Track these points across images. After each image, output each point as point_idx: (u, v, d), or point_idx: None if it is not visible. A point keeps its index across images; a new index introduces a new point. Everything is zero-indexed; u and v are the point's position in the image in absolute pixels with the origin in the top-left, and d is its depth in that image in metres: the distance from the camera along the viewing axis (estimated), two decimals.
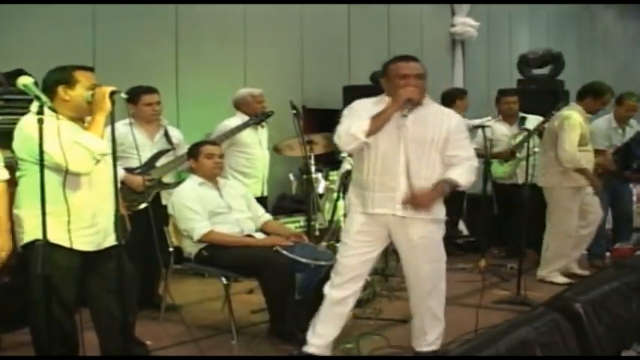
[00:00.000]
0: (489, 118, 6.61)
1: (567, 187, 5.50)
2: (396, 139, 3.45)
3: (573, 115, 5.38)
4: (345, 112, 3.63)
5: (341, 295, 3.61)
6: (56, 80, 3.20)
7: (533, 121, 6.09)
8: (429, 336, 3.68)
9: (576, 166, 5.38)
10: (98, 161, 3.13)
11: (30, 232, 3.13)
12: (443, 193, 3.53)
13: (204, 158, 4.44)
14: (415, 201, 3.43)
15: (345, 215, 4.68)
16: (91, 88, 3.18)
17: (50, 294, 2.98)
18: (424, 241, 3.55)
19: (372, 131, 3.40)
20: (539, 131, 6.03)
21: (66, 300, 3.19)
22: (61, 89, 3.18)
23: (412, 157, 3.44)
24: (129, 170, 4.49)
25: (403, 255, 3.65)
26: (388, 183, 3.48)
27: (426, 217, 3.50)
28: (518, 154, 6.29)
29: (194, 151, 4.50)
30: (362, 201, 3.57)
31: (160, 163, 4.69)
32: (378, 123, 3.40)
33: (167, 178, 4.77)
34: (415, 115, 3.48)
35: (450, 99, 6.91)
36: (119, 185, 3.33)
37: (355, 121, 3.43)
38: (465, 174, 3.53)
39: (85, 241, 3.21)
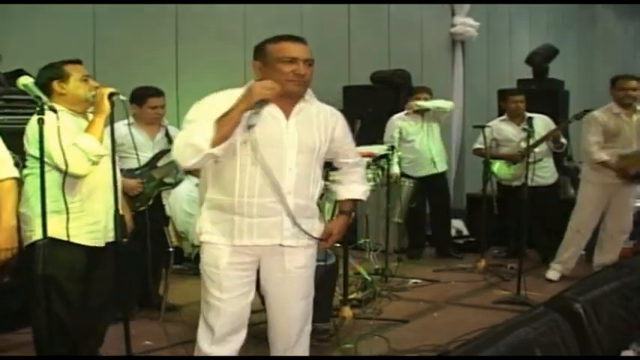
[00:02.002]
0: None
1: (587, 181, 5.55)
2: (280, 148, 2.72)
3: (594, 113, 5.47)
4: (189, 115, 2.76)
5: (227, 351, 2.84)
6: (49, 77, 3.26)
7: (539, 120, 6.06)
8: None
9: (594, 161, 5.43)
10: (95, 163, 3.15)
11: (38, 231, 3.14)
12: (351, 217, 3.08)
13: None
14: (333, 238, 2.96)
15: None
16: (83, 80, 3.26)
17: (55, 293, 3.07)
18: (302, 271, 2.87)
19: (220, 138, 2.59)
20: (554, 138, 6.05)
21: (70, 298, 3.24)
22: (56, 85, 3.25)
23: (300, 171, 2.76)
24: (130, 171, 4.50)
25: (273, 290, 2.88)
26: (271, 206, 2.72)
27: (306, 242, 2.86)
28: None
29: None
30: (228, 229, 2.74)
31: (161, 163, 4.70)
32: (224, 127, 2.60)
33: (168, 178, 4.77)
34: (300, 116, 2.79)
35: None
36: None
37: (199, 127, 2.62)
38: (365, 187, 3.09)
39: (90, 237, 3.27)
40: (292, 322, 2.89)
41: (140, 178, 4.52)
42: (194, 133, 2.61)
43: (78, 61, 3.36)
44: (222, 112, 2.61)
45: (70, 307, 3.25)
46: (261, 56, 2.78)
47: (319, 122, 2.84)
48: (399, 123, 6.68)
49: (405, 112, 6.73)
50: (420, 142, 6.67)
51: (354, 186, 3.06)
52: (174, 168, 4.76)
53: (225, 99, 2.69)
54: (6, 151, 3.23)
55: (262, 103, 2.64)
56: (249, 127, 2.63)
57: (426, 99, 6.64)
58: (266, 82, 2.66)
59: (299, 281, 2.87)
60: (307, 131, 2.78)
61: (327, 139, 2.86)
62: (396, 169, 6.52)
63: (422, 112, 6.66)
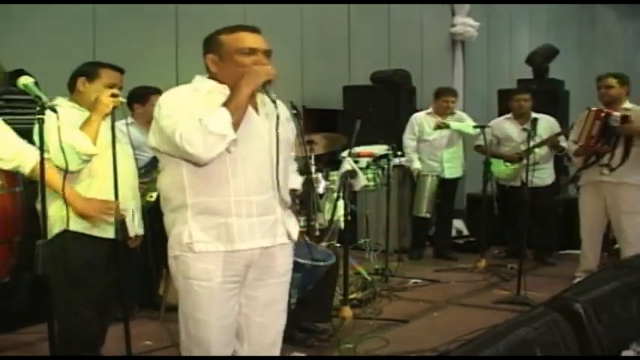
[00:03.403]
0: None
1: (581, 185, 5.52)
2: (263, 142, 2.55)
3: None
4: (164, 111, 2.51)
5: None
6: (80, 71, 3.31)
7: (543, 122, 6.04)
8: None
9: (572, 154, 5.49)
10: (85, 161, 3.15)
11: (56, 224, 3.15)
12: None
13: None
14: None
15: (346, 215, 4.69)
16: (107, 87, 3.24)
17: (74, 287, 3.18)
18: (289, 275, 2.73)
19: (235, 125, 2.41)
20: (552, 143, 6.05)
21: (92, 291, 3.26)
22: (80, 80, 3.29)
23: (282, 164, 2.59)
24: None
25: (264, 297, 2.64)
26: (270, 203, 2.57)
27: (290, 242, 2.70)
28: (525, 161, 6.28)
29: None
30: (225, 233, 2.50)
31: None
32: (237, 112, 2.42)
33: None
34: (266, 108, 2.61)
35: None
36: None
37: (211, 116, 2.38)
38: (300, 177, 3.00)
39: (99, 230, 3.28)
40: (272, 331, 2.69)
41: (140, 178, 4.52)
42: (209, 123, 2.35)
43: (119, 70, 3.36)
44: (196, 105, 2.45)
45: (89, 300, 3.27)
46: (215, 48, 2.56)
47: (282, 114, 2.64)
48: (419, 120, 6.75)
49: (431, 115, 6.76)
50: (433, 143, 6.70)
51: (294, 176, 2.93)
52: None
53: (191, 92, 2.55)
54: (19, 142, 3.16)
55: (269, 83, 2.51)
56: (274, 102, 2.52)
57: (453, 102, 6.72)
58: (266, 67, 2.51)
59: (286, 286, 2.72)
60: (280, 123, 2.59)
61: (292, 130, 2.74)
62: (417, 165, 6.58)
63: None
